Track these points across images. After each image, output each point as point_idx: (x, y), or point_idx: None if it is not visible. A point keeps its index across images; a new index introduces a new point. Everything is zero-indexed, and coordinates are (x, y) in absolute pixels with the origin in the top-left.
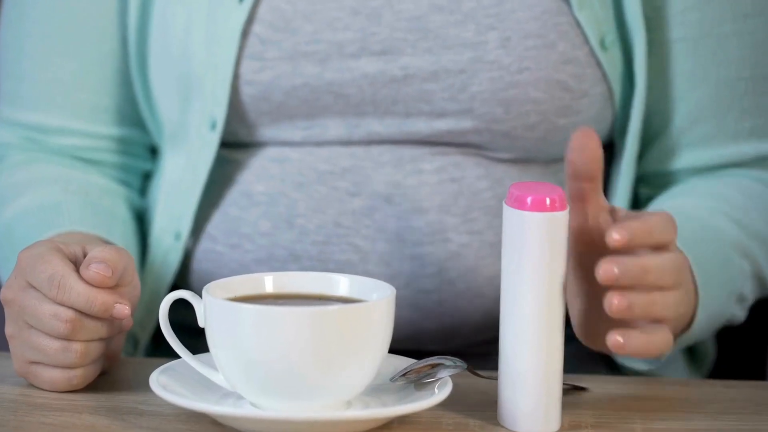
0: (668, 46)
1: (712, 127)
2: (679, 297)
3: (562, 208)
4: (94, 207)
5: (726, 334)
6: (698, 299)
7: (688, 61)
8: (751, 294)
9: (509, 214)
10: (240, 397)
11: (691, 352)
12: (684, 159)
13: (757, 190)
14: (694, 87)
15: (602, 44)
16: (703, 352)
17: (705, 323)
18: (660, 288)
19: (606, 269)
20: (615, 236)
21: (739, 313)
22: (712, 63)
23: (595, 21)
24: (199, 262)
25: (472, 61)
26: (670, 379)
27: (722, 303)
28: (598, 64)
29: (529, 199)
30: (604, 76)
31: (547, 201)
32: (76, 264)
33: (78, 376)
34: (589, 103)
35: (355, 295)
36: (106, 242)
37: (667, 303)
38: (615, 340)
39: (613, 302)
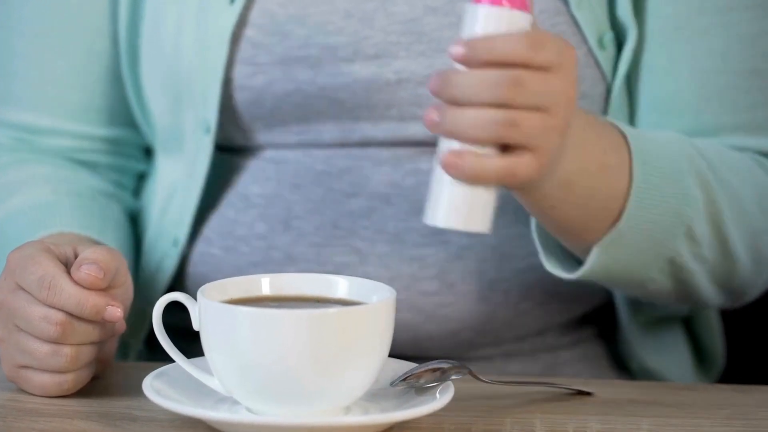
0: (645, 40)
1: (689, 120)
2: (513, 118)
3: (522, 8)
4: (87, 208)
5: (736, 339)
6: (631, 190)
7: (662, 54)
8: (707, 242)
9: (466, 11)
10: (236, 403)
11: (700, 357)
12: None
13: (734, 153)
14: (669, 80)
15: (600, 43)
16: (713, 356)
17: (639, 226)
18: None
19: (432, 81)
20: (450, 50)
21: (692, 263)
22: (689, 56)
23: (594, 19)
24: (194, 265)
25: None
26: (679, 384)
27: (664, 215)
28: (597, 63)
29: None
30: (603, 75)
31: (505, 3)
32: (67, 265)
33: (69, 380)
34: (588, 104)
35: (354, 298)
36: (99, 243)
37: (481, 121)
38: (446, 159)
39: (426, 116)
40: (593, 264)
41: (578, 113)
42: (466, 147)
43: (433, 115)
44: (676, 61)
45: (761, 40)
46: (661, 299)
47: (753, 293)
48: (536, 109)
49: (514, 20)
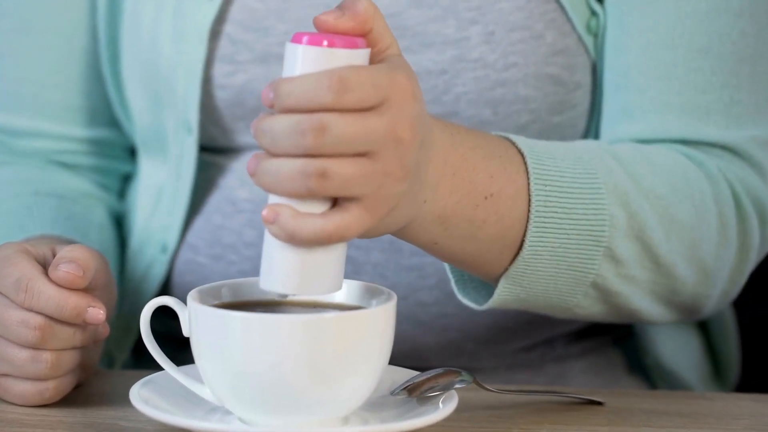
0: (607, 16)
1: (634, 99)
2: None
3: (349, 45)
4: (68, 211)
5: (754, 347)
6: (530, 216)
7: (617, 30)
8: (633, 261)
9: (286, 51)
10: (228, 412)
11: (716, 364)
12: (604, 132)
13: (666, 159)
14: (620, 56)
15: (588, 29)
16: (728, 363)
17: (547, 252)
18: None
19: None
20: (262, 93)
21: (618, 285)
22: (640, 30)
23: (580, 4)
24: (180, 274)
25: (455, 60)
26: (694, 392)
27: (576, 239)
28: (587, 51)
29: (305, 39)
30: (594, 63)
31: (324, 42)
32: (46, 267)
33: (50, 388)
34: (584, 94)
35: (352, 302)
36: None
37: (287, 172)
38: (263, 214)
39: (248, 165)
40: (502, 295)
41: (458, 139)
42: (284, 200)
43: (251, 165)
44: (627, 36)
45: (715, 18)
46: (599, 321)
47: (710, 305)
48: (352, 154)
49: (337, 60)
